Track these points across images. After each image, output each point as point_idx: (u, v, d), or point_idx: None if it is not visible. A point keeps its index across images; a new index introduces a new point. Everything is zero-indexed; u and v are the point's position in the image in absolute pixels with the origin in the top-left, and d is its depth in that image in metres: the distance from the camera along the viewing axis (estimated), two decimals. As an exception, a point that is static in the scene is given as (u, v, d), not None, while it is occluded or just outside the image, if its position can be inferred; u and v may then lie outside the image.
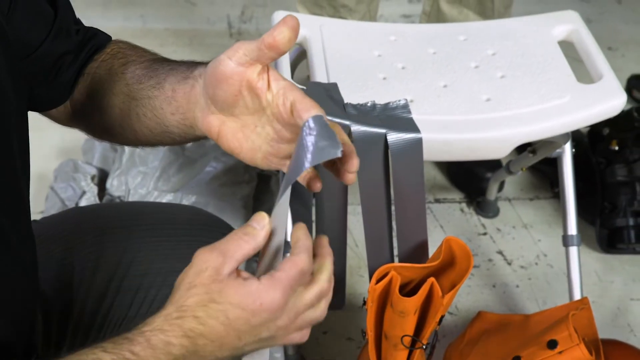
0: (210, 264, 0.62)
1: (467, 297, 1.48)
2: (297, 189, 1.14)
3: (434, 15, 1.65)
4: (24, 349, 0.74)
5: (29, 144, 0.75)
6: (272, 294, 0.62)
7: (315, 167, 0.71)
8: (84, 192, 1.44)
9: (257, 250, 0.65)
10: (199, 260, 0.63)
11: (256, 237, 0.64)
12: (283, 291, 0.62)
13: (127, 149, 1.46)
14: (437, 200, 1.69)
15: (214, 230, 0.98)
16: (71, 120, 0.86)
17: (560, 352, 1.04)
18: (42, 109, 0.84)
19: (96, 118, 0.83)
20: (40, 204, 1.50)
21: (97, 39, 0.84)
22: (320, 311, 0.67)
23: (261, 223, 0.65)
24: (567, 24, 1.23)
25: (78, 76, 0.82)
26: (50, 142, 1.68)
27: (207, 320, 0.62)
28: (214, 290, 0.62)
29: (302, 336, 0.67)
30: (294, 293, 0.64)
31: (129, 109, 0.78)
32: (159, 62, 0.78)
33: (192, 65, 0.75)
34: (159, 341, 0.61)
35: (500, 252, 1.58)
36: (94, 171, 1.49)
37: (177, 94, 0.74)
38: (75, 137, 1.72)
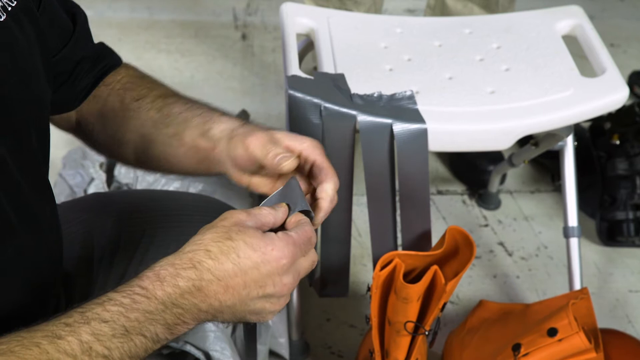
0: (236, 215, 0.66)
1: (469, 287, 1.50)
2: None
3: (439, 8, 1.66)
4: None
5: (49, 132, 0.78)
6: (285, 246, 0.65)
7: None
8: (92, 179, 1.46)
9: (275, 225, 0.69)
10: (226, 213, 0.67)
11: (277, 213, 0.69)
12: (294, 248, 0.66)
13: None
14: (440, 192, 1.71)
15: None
16: (73, 130, 0.89)
17: (560, 340, 1.06)
18: (54, 112, 0.86)
19: (104, 140, 0.87)
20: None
21: (112, 58, 0.87)
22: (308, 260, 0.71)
23: (281, 205, 0.71)
24: (571, 18, 1.25)
25: (92, 87, 0.85)
26: (58, 130, 1.70)
27: (218, 255, 0.64)
28: (233, 230, 0.65)
29: (283, 303, 0.69)
30: (301, 256, 0.67)
31: (147, 149, 0.83)
32: (169, 106, 0.82)
33: (205, 118, 0.80)
34: (167, 274, 0.63)
35: (501, 244, 1.60)
36: (102, 158, 1.51)
37: (200, 149, 0.79)
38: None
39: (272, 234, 0.66)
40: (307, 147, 0.76)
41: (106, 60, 0.86)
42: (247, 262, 0.64)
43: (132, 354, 0.61)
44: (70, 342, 0.58)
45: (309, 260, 0.69)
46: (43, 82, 0.74)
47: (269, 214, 0.68)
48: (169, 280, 0.62)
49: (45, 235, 0.73)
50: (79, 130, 0.89)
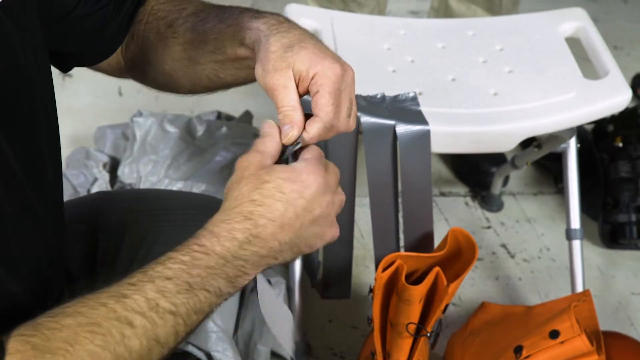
0: (252, 159, 0.68)
1: (471, 289, 1.50)
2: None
3: (442, 10, 1.66)
4: None
5: (58, 130, 0.78)
6: (314, 168, 0.68)
7: None
8: (95, 179, 1.46)
9: (279, 145, 0.70)
10: (240, 162, 0.68)
11: (273, 135, 0.70)
12: (320, 168, 0.68)
13: (138, 137, 1.48)
14: (442, 194, 1.71)
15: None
16: (125, 73, 0.89)
17: (562, 342, 1.06)
18: (91, 63, 0.86)
19: (155, 76, 0.86)
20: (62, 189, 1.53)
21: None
22: (341, 194, 0.72)
23: (269, 125, 0.71)
24: (575, 21, 1.25)
25: (126, 28, 0.84)
26: (62, 130, 1.68)
27: (264, 200, 0.65)
28: (263, 174, 0.66)
29: (335, 231, 0.72)
30: (325, 172, 0.69)
31: (195, 71, 0.82)
32: (201, 22, 0.80)
33: (236, 28, 0.77)
34: (221, 230, 0.64)
35: (503, 246, 1.60)
36: (105, 159, 1.51)
37: (243, 58, 0.78)
38: (87, 125, 1.75)
39: (296, 163, 0.69)
40: (318, 77, 0.70)
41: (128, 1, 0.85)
42: (292, 194, 0.66)
43: (197, 309, 0.62)
44: (136, 299, 0.60)
45: (332, 174, 0.71)
46: (44, 74, 0.74)
47: (269, 141, 0.69)
48: (225, 235, 0.64)
49: (44, 231, 0.73)
50: (132, 73, 0.89)
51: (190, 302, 0.62)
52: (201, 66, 0.81)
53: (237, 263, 0.64)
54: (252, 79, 0.79)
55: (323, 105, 0.70)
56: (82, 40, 0.82)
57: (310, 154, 0.70)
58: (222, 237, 0.64)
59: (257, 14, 0.77)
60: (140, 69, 0.87)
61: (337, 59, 0.72)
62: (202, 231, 0.65)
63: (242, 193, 0.66)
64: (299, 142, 0.72)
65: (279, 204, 0.65)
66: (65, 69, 0.86)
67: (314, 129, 0.70)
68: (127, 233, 0.91)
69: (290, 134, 0.70)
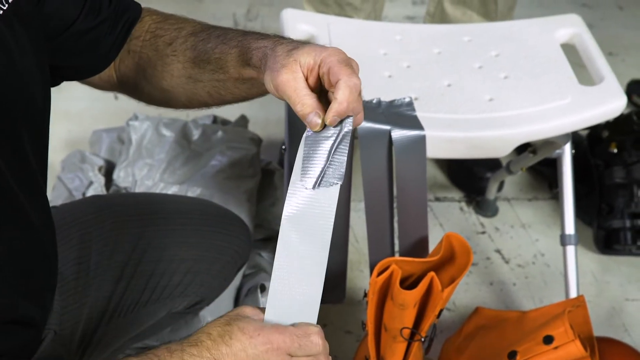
0: (244, 308, 0.74)
1: (465, 294, 1.50)
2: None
3: (438, 16, 1.67)
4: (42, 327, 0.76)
5: (48, 135, 0.78)
6: (272, 333, 0.72)
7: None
8: (91, 183, 1.46)
9: None
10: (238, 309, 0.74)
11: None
12: (283, 337, 0.72)
13: (134, 141, 1.48)
14: (437, 199, 1.71)
15: (224, 221, 1.01)
16: (115, 87, 0.90)
17: (555, 348, 1.07)
18: (82, 78, 0.87)
19: (151, 91, 0.87)
20: (47, 194, 1.52)
21: (131, 11, 0.86)
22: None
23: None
24: (570, 27, 1.26)
25: (121, 44, 0.85)
26: (58, 133, 1.70)
27: (215, 337, 0.71)
28: (232, 317, 0.73)
29: None
30: (295, 349, 0.73)
31: (195, 88, 0.83)
32: (202, 42, 0.81)
33: (241, 49, 0.78)
34: (176, 348, 0.70)
35: (498, 251, 1.60)
36: (101, 162, 1.51)
37: (246, 78, 0.79)
38: (83, 128, 1.75)
39: (268, 324, 0.72)
40: (324, 59, 0.72)
41: (127, 14, 0.85)
42: (237, 344, 0.70)
43: None
44: None
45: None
46: (37, 84, 0.74)
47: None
48: (177, 354, 0.70)
49: (36, 233, 0.74)
50: (123, 87, 0.90)
51: None
52: (202, 84, 0.83)
53: None
54: (250, 97, 0.83)
55: (340, 70, 0.70)
56: (78, 54, 0.83)
57: (296, 326, 0.73)
58: (174, 354, 0.70)
59: (260, 35, 0.79)
60: (134, 84, 0.87)
61: (339, 49, 0.74)
62: (164, 344, 0.71)
63: (209, 325, 0.72)
64: (346, 121, 0.71)
65: (224, 346, 0.71)
66: (55, 82, 0.86)
67: (339, 93, 0.70)
68: (120, 237, 0.91)
69: (316, 120, 0.70)
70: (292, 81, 0.71)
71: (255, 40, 0.77)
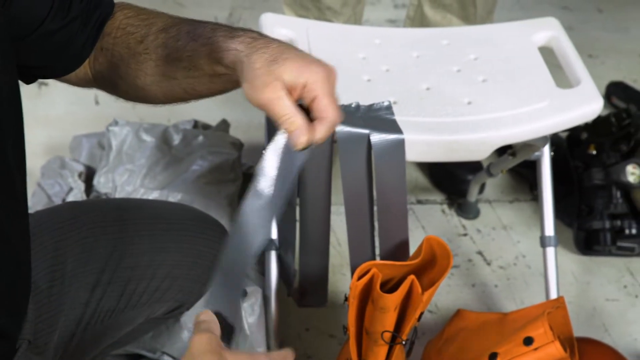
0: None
1: (447, 296, 1.50)
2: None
3: (418, 19, 1.67)
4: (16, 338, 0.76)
5: (24, 141, 0.77)
6: None
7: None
8: (70, 189, 1.45)
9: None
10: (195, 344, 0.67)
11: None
12: None
13: (114, 147, 1.48)
14: (419, 202, 1.72)
15: (204, 226, 1.00)
16: (92, 84, 0.89)
17: (535, 349, 1.07)
18: (56, 76, 0.86)
19: (127, 89, 0.86)
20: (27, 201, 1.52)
21: (103, 7, 0.85)
22: None
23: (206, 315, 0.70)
24: (547, 30, 1.26)
25: (93, 42, 0.84)
26: (37, 139, 1.70)
27: None
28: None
29: None
30: None
31: (171, 85, 0.83)
32: (172, 39, 0.80)
33: (211, 47, 0.77)
34: None
35: (480, 253, 1.61)
36: (81, 168, 1.50)
37: (220, 74, 0.78)
38: (63, 134, 1.74)
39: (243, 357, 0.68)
40: (310, 84, 0.73)
41: (98, 10, 0.84)
42: None
43: None
44: None
45: None
46: (11, 86, 0.73)
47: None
48: None
49: (11, 243, 0.73)
50: (100, 84, 0.89)
51: None
52: (176, 81, 0.82)
53: None
54: (227, 90, 0.81)
55: (327, 107, 0.72)
56: (49, 54, 0.82)
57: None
58: None
59: (230, 32, 0.77)
60: (110, 81, 0.86)
61: (320, 62, 0.75)
62: None
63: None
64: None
65: None
66: (28, 81, 0.85)
67: (322, 131, 0.72)
68: (96, 243, 0.91)
69: (302, 139, 0.72)
70: (277, 100, 0.72)
71: (225, 40, 0.76)
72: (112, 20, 0.85)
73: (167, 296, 0.97)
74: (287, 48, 0.75)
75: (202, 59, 0.78)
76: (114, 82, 0.86)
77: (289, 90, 0.72)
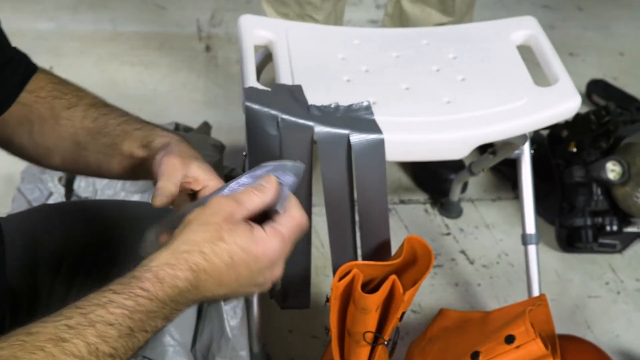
0: (225, 207, 0.69)
1: (430, 296, 1.51)
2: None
3: (397, 15, 1.67)
4: None
5: None
6: (274, 243, 0.70)
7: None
8: (51, 194, 1.44)
9: (265, 207, 0.71)
10: (215, 202, 0.69)
11: (266, 193, 0.71)
12: (283, 243, 0.70)
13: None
14: (402, 201, 1.72)
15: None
16: None
17: (517, 347, 1.07)
18: None
19: (27, 144, 0.87)
20: (7, 206, 1.50)
21: (28, 64, 0.87)
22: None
23: (270, 182, 0.72)
24: (526, 29, 1.27)
25: (15, 96, 0.85)
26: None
27: (212, 257, 0.67)
28: (225, 229, 0.68)
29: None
30: (290, 246, 0.71)
31: (79, 155, 0.85)
32: (104, 116, 0.84)
33: (146, 131, 0.83)
34: (166, 275, 0.66)
35: (463, 252, 1.61)
36: (61, 172, 1.49)
37: (137, 158, 0.82)
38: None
39: (262, 231, 0.69)
40: (209, 188, 0.78)
41: (22, 65, 0.86)
42: (240, 263, 0.68)
43: (135, 347, 0.65)
44: (76, 344, 0.60)
45: (290, 243, 0.72)
46: None
47: (257, 198, 0.70)
48: (168, 281, 0.66)
49: None
50: None
51: (129, 344, 0.64)
52: (87, 152, 0.84)
53: (175, 305, 0.67)
54: (123, 178, 0.86)
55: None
56: None
57: (285, 227, 0.71)
58: (165, 282, 0.66)
59: (162, 130, 0.84)
60: (9, 133, 0.87)
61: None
62: (146, 272, 0.66)
63: (196, 240, 0.67)
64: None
65: (224, 266, 0.68)
66: None
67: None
68: (69, 248, 0.90)
69: (162, 200, 0.76)
70: (177, 165, 0.76)
71: (162, 130, 0.83)
72: (35, 79, 0.87)
73: None
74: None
75: (129, 139, 0.81)
76: (15, 135, 0.86)
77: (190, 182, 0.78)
